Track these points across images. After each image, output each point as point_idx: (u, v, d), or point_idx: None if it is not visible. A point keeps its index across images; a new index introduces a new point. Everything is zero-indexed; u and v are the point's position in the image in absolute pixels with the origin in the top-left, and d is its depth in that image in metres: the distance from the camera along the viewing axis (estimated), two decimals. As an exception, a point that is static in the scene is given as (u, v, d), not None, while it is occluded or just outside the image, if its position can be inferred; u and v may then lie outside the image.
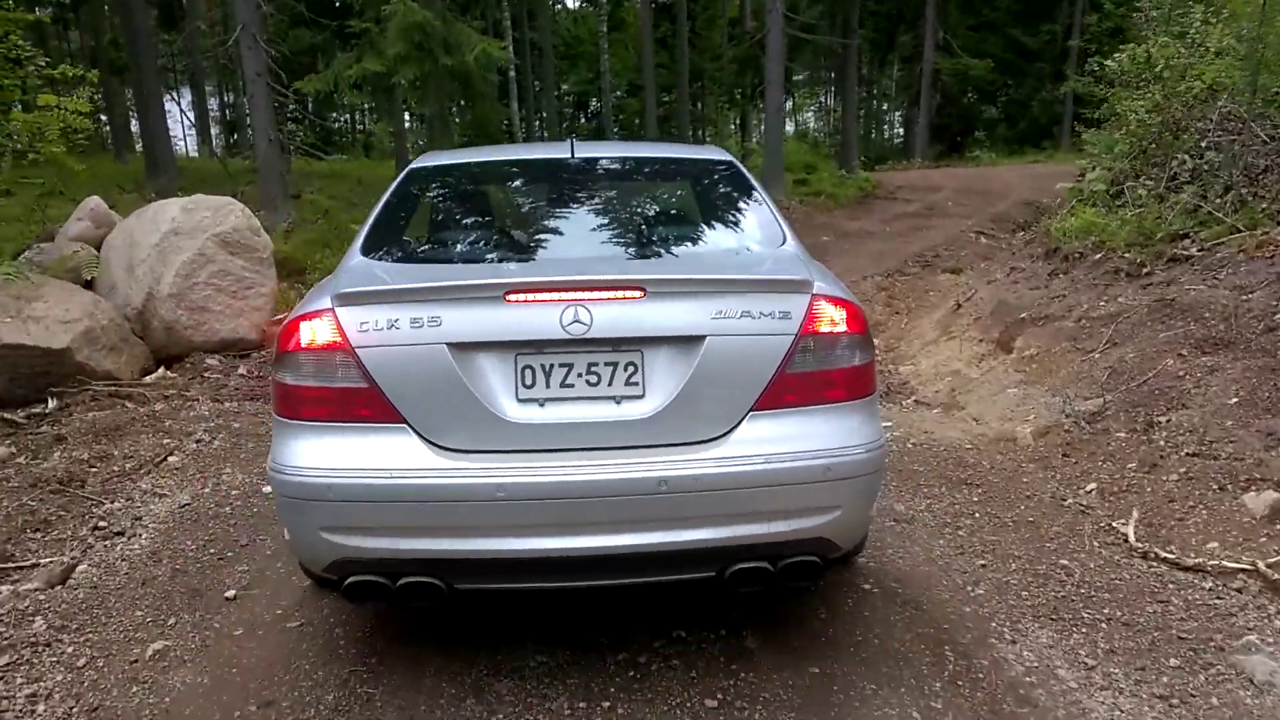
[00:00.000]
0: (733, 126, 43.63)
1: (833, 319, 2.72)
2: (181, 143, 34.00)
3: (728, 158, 3.93)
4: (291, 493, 2.63)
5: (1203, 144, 8.21)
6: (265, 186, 14.04)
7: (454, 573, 2.68)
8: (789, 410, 2.67)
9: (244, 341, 7.54)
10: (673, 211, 4.01)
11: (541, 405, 2.62)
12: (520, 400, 2.61)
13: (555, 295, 2.59)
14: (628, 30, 42.07)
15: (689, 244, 3.40)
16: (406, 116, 24.59)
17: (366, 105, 30.66)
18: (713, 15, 33.54)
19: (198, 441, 5.48)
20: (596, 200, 3.72)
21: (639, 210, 3.79)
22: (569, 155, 3.80)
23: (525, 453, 2.60)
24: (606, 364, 2.63)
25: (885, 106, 47.23)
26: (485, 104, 14.11)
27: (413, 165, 3.89)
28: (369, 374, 2.58)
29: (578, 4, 44.20)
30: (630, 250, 3.30)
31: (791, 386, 2.67)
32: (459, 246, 3.43)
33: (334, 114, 33.50)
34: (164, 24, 25.64)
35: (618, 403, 2.63)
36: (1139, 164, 9.76)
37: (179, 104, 33.83)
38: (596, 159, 3.95)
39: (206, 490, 4.77)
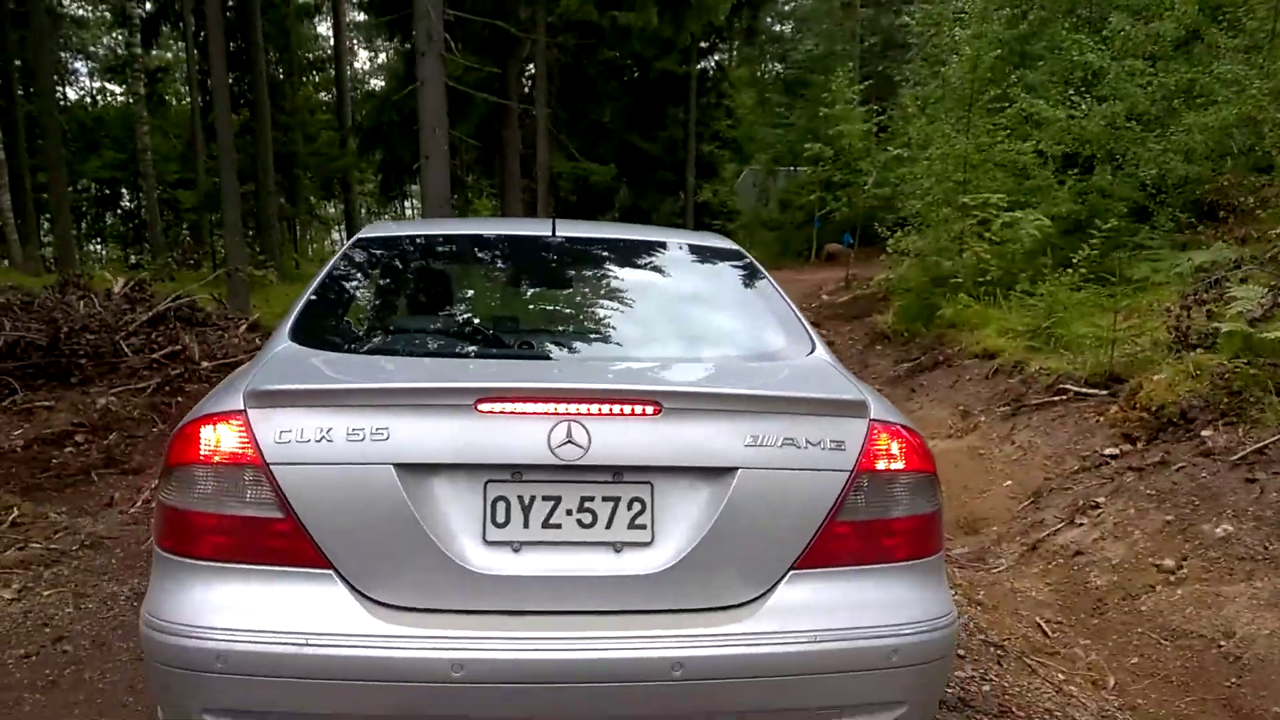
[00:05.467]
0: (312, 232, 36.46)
1: (893, 452, 2.18)
2: None
3: (735, 246, 3.43)
4: (164, 658, 1.97)
5: None
6: None
7: None
8: (840, 570, 2.13)
9: None
10: (680, 308, 3.10)
11: (516, 550, 2.02)
12: (488, 543, 2.01)
13: (544, 406, 2.01)
14: (168, 114, 34.26)
15: (705, 348, 2.76)
16: None
17: None
18: (296, 81, 26.90)
19: None
20: (587, 290, 3.20)
21: (639, 305, 3.06)
22: (549, 233, 3.25)
23: (492, 614, 1.99)
24: (605, 499, 2.05)
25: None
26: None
27: (360, 235, 3.33)
28: (285, 500, 1.96)
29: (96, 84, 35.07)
30: (635, 353, 2.68)
31: (843, 538, 2.12)
32: (415, 338, 2.77)
33: None
34: None
35: (617, 551, 2.05)
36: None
37: None
38: (583, 239, 3.37)
39: None
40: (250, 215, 22.96)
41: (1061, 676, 3.81)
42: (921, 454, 2.23)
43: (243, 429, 1.99)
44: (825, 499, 2.09)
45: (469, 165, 30.66)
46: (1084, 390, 6.65)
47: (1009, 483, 6.10)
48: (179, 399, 7.67)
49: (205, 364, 8.41)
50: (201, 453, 2.01)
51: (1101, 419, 6.18)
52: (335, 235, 45.61)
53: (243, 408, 2.02)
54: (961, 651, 3.87)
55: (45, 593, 4.12)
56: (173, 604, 1.99)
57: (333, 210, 43.42)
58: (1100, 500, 5.20)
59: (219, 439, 2.00)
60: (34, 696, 3.25)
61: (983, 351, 8.91)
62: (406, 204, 46.62)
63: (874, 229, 18.27)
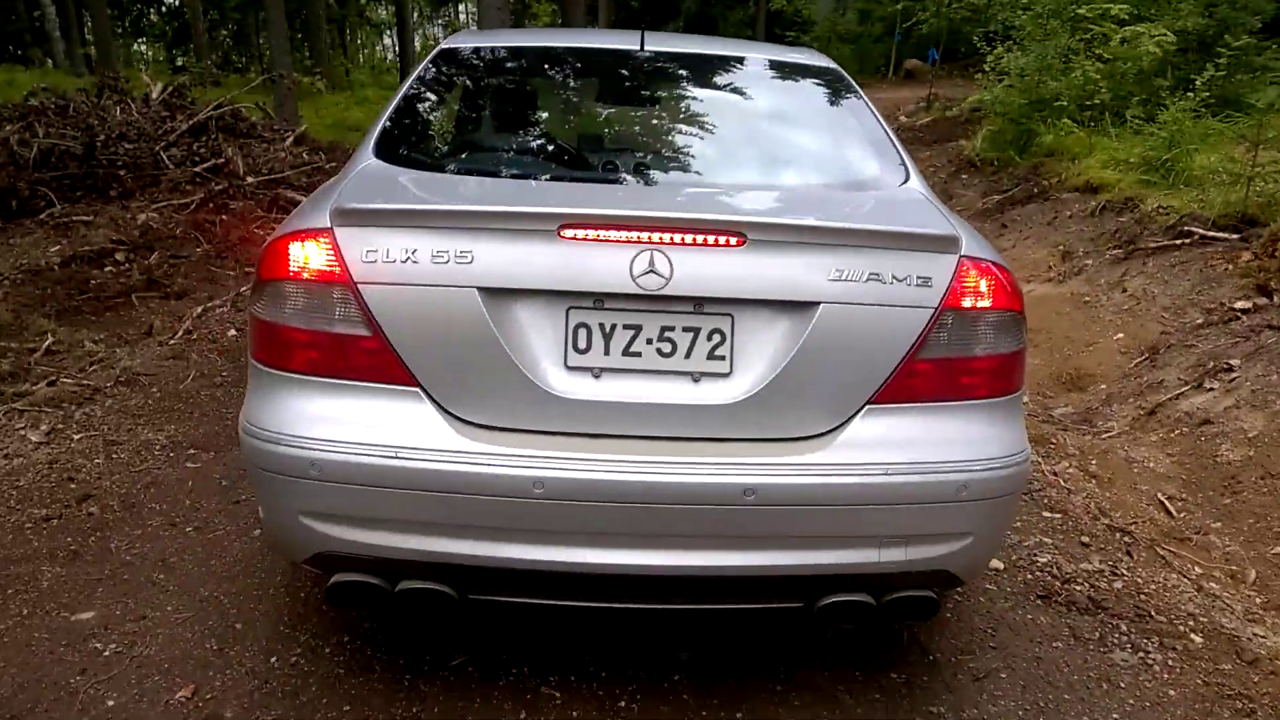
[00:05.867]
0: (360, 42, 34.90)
1: (981, 290, 2.12)
2: None
3: (832, 65, 3.30)
4: (265, 463, 2.08)
5: None
6: None
7: (469, 581, 2.15)
8: (916, 406, 2.12)
9: None
10: (772, 131, 2.97)
11: (597, 377, 2.06)
12: (570, 368, 2.06)
13: (626, 235, 2.00)
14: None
15: (794, 175, 2.67)
16: None
17: None
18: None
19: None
20: (675, 109, 3.11)
21: (729, 126, 2.96)
22: (637, 47, 3.07)
23: (572, 436, 2.06)
24: (685, 329, 2.06)
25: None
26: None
27: (444, 45, 3.28)
28: (373, 318, 2.01)
29: None
30: (721, 179, 2.63)
31: (922, 375, 2.10)
32: (500, 157, 2.76)
33: None
34: None
35: (695, 380, 2.07)
36: None
37: None
38: (673, 54, 3.18)
39: None
40: (296, 17, 21.83)
41: (1199, 570, 3.38)
42: (1010, 292, 2.17)
43: (330, 247, 2.02)
44: (907, 336, 2.07)
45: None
46: (1211, 234, 5.91)
47: (1120, 336, 5.51)
48: (223, 216, 7.25)
49: (250, 179, 7.93)
50: (290, 269, 2.04)
51: (1231, 267, 5.49)
52: (386, 40, 43.97)
53: (329, 225, 2.03)
54: (1086, 539, 3.44)
55: (75, 436, 3.84)
56: (269, 413, 2.07)
57: (384, 13, 41.60)
58: (1234, 362, 4.61)
59: (307, 257, 2.04)
60: (53, 570, 2.94)
61: (1085, 184, 8.08)
62: (461, 8, 44.55)
63: (959, 45, 16.76)
